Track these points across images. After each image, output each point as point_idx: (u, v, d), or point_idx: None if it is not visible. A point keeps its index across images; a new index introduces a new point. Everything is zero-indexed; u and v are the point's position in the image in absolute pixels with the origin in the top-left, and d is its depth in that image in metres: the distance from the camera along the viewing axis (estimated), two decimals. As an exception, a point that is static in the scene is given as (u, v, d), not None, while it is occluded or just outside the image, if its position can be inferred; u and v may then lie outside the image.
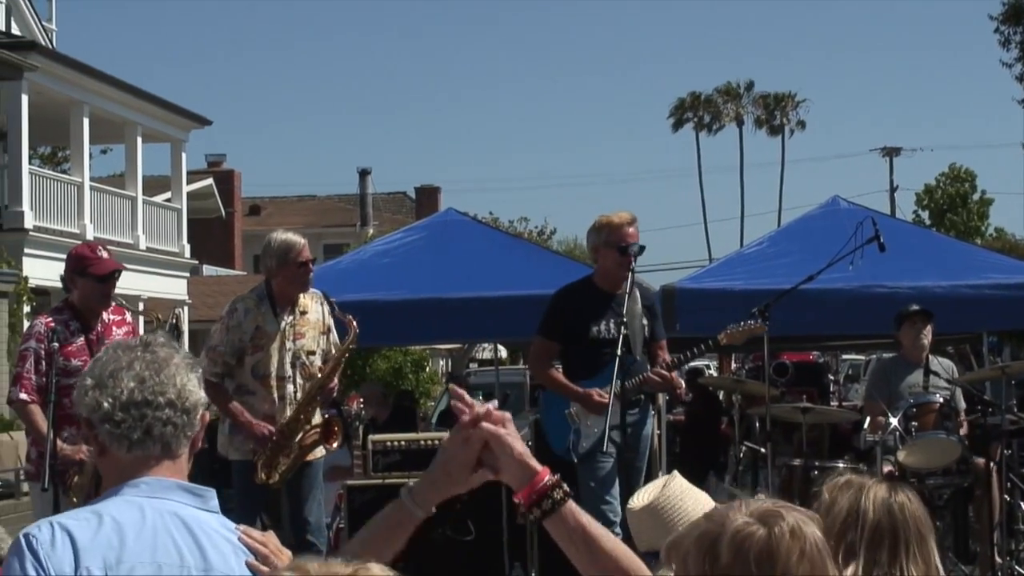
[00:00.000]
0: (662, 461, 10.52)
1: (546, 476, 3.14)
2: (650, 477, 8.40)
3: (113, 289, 8.08)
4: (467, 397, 3.25)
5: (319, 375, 8.48)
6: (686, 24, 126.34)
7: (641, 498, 5.07)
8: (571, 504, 3.13)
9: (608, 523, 8.44)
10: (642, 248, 8.43)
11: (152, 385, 3.26)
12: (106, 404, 3.25)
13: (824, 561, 2.68)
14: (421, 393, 28.52)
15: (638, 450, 8.55)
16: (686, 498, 4.79)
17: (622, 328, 8.00)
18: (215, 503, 3.31)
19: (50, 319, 8.01)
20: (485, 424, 3.18)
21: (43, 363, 7.77)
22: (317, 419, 8.49)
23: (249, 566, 3.25)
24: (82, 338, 7.95)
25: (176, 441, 3.28)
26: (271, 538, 3.39)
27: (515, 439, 3.17)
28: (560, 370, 8.75)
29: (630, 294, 8.27)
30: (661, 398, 10.52)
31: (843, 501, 3.67)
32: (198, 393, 3.32)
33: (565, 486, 3.13)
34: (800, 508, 2.79)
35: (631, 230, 8.48)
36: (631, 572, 3.11)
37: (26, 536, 3.11)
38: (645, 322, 8.54)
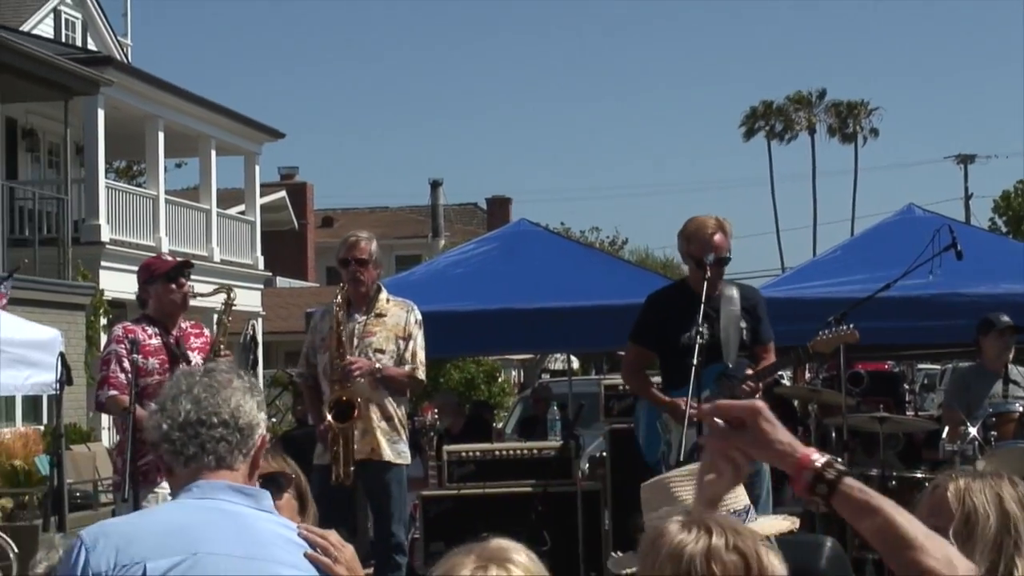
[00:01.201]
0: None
1: (810, 459, 2.93)
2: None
3: (183, 285, 8.14)
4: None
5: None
6: (757, 33, 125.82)
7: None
8: (848, 481, 2.90)
9: None
10: (722, 260, 8.19)
11: (207, 406, 3.50)
12: (165, 426, 3.51)
13: None
14: (494, 404, 28.52)
15: None
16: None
17: (701, 335, 7.89)
18: (269, 503, 3.52)
19: (129, 324, 8.16)
20: (751, 423, 3.02)
21: (125, 362, 7.90)
22: None
23: (308, 557, 3.45)
24: (159, 340, 8.07)
25: (231, 456, 3.50)
26: (332, 535, 3.56)
27: (777, 430, 3.00)
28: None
29: (725, 297, 8.17)
30: None
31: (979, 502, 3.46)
32: (255, 415, 3.56)
33: (839, 463, 2.93)
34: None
35: (716, 239, 8.18)
36: (930, 547, 2.87)
37: (78, 537, 3.41)
38: (744, 325, 8.27)
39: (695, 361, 7.70)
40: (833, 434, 11.04)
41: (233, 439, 3.50)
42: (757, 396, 8.37)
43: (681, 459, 8.23)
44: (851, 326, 8.23)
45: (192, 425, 3.48)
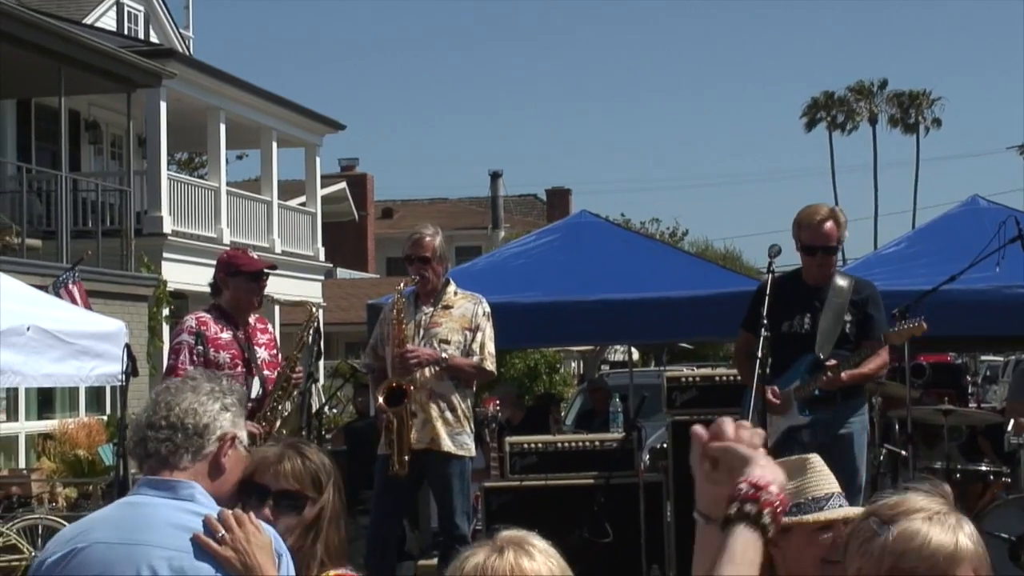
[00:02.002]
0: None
1: (746, 486, 2.81)
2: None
3: (263, 288, 8.27)
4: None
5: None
6: (818, 23, 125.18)
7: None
8: (736, 530, 2.77)
9: None
10: (830, 249, 8.10)
11: (159, 410, 3.70)
12: (130, 432, 3.80)
13: None
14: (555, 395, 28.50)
15: (842, 452, 7.88)
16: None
17: (801, 325, 7.84)
18: (188, 492, 3.61)
19: (202, 315, 8.22)
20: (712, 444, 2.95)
21: (195, 355, 7.96)
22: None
23: (196, 539, 3.52)
24: (230, 333, 8.13)
25: (174, 456, 3.66)
26: (237, 517, 3.57)
27: (746, 452, 2.91)
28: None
29: (834, 288, 8.09)
30: None
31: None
32: (212, 417, 3.71)
33: (768, 516, 2.77)
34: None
35: (824, 228, 8.07)
36: None
37: None
38: (849, 318, 8.14)
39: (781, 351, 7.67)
40: (896, 426, 10.99)
41: (176, 439, 3.65)
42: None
43: (771, 447, 8.21)
44: (921, 318, 8.08)
45: (142, 428, 3.69)
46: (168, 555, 3.46)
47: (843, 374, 7.97)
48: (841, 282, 8.17)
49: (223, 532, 3.51)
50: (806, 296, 8.14)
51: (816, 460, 4.49)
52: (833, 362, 7.97)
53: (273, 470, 3.89)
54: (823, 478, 4.41)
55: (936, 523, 2.99)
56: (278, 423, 8.07)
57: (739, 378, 8.72)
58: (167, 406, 3.68)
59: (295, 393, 8.27)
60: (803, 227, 8.17)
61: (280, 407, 8.11)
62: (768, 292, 8.20)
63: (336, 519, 3.99)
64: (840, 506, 4.31)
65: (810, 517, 4.25)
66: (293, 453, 3.94)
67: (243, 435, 3.82)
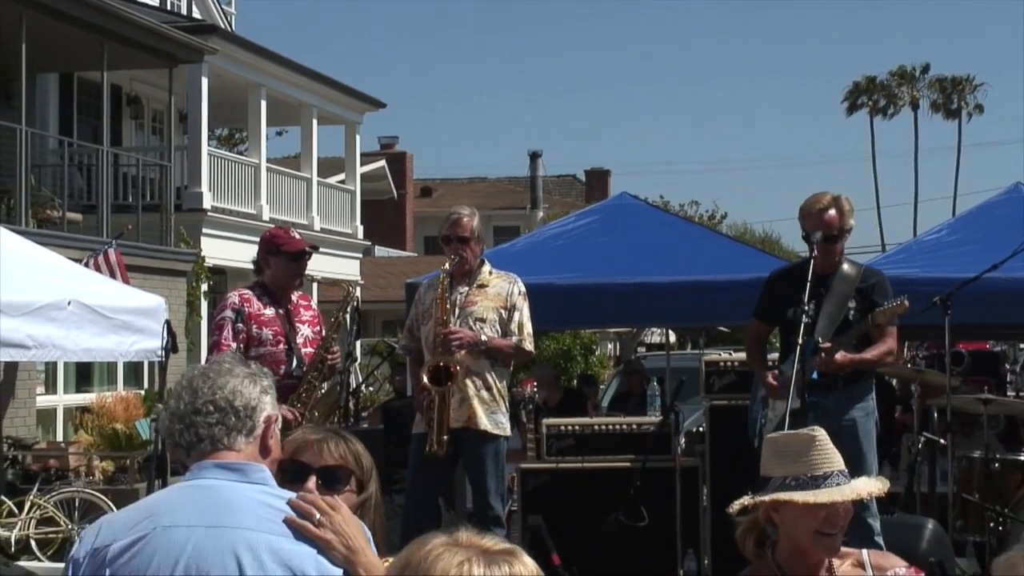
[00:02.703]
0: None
1: None
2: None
3: (304, 268, 8.32)
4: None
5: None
6: (861, 7, 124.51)
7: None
8: None
9: None
10: (830, 237, 8.10)
11: (203, 395, 3.57)
12: (167, 422, 3.61)
13: None
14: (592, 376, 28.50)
15: (845, 439, 8.01)
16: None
17: (807, 313, 7.87)
18: (260, 475, 3.51)
19: (246, 291, 8.25)
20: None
21: (236, 329, 8.01)
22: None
23: (287, 521, 3.39)
24: (273, 310, 8.17)
25: (228, 437, 3.55)
26: (324, 500, 3.48)
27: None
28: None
29: (840, 275, 8.10)
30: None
31: None
32: (255, 397, 3.61)
33: None
34: None
35: (826, 217, 8.12)
36: None
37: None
38: (852, 305, 8.15)
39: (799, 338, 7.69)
40: (935, 415, 10.94)
41: (229, 421, 3.56)
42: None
43: (770, 432, 8.24)
44: (904, 297, 8.03)
45: (188, 415, 3.56)
46: (266, 539, 3.35)
47: (838, 356, 7.96)
48: (848, 270, 8.19)
49: (319, 516, 3.41)
50: (813, 283, 8.17)
51: (822, 436, 4.71)
52: (827, 344, 7.97)
53: (316, 448, 3.85)
54: (825, 456, 4.62)
55: None
56: (311, 405, 8.09)
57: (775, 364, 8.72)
58: (211, 390, 3.58)
59: (333, 374, 8.29)
60: (806, 216, 8.23)
61: (315, 389, 8.12)
62: (778, 279, 8.43)
63: (380, 507, 3.95)
64: (838, 484, 4.53)
65: (799, 497, 4.46)
66: (335, 436, 3.93)
67: (278, 416, 3.75)
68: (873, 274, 8.45)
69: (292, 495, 3.49)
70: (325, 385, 8.35)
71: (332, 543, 3.39)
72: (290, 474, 3.79)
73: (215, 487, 3.45)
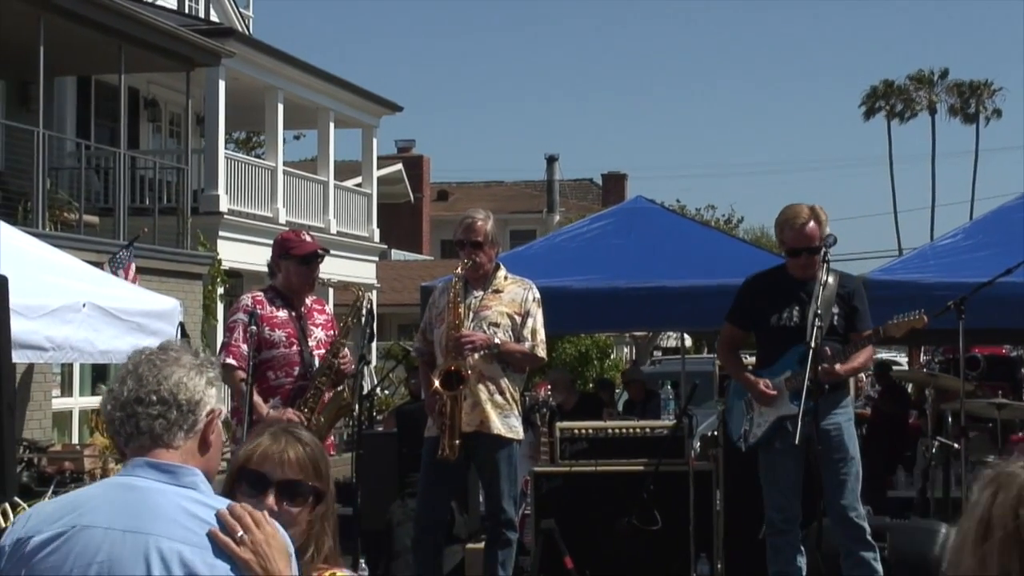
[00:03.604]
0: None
1: None
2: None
3: (315, 271, 8.32)
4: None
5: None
6: (879, 11, 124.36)
7: None
8: None
9: (768, 519, 8.35)
10: (813, 250, 8.17)
11: (146, 384, 3.44)
12: (109, 406, 3.48)
13: None
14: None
15: (830, 442, 8.17)
16: None
17: (790, 318, 7.97)
18: (191, 479, 3.38)
19: (258, 294, 8.26)
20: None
21: (248, 333, 8.00)
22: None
23: (210, 534, 3.27)
24: (286, 312, 8.17)
25: (168, 433, 3.42)
26: (254, 516, 3.35)
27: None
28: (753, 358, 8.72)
29: (820, 282, 8.15)
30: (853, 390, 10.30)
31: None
32: (200, 391, 3.47)
33: None
34: None
35: (806, 230, 8.19)
36: None
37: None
38: (836, 311, 8.25)
39: (810, 342, 7.74)
40: (949, 419, 10.93)
41: (171, 415, 3.42)
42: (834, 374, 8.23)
43: (760, 437, 8.30)
44: (920, 311, 8.19)
45: (131, 404, 3.43)
46: (179, 548, 3.23)
47: (837, 366, 8.11)
48: (826, 277, 8.21)
49: (242, 532, 3.28)
50: (793, 290, 8.31)
51: None
52: (828, 353, 8.07)
53: (277, 458, 3.70)
54: None
55: None
56: (318, 410, 8.08)
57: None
58: (156, 380, 3.45)
59: (343, 379, 8.27)
60: (786, 229, 8.32)
61: (323, 394, 8.10)
62: (756, 286, 8.53)
63: (334, 513, 3.81)
64: None
65: None
66: (292, 439, 3.75)
67: (224, 410, 3.62)
68: (851, 279, 8.60)
69: (222, 504, 3.36)
70: (340, 390, 8.33)
71: (250, 563, 3.26)
72: (249, 484, 3.69)
73: (141, 488, 3.35)
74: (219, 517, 3.30)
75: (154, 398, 3.43)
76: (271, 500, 3.66)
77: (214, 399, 3.53)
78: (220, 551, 3.25)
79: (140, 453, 3.42)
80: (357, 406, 8.43)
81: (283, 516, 3.60)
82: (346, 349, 8.26)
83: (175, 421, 3.43)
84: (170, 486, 3.35)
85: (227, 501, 3.41)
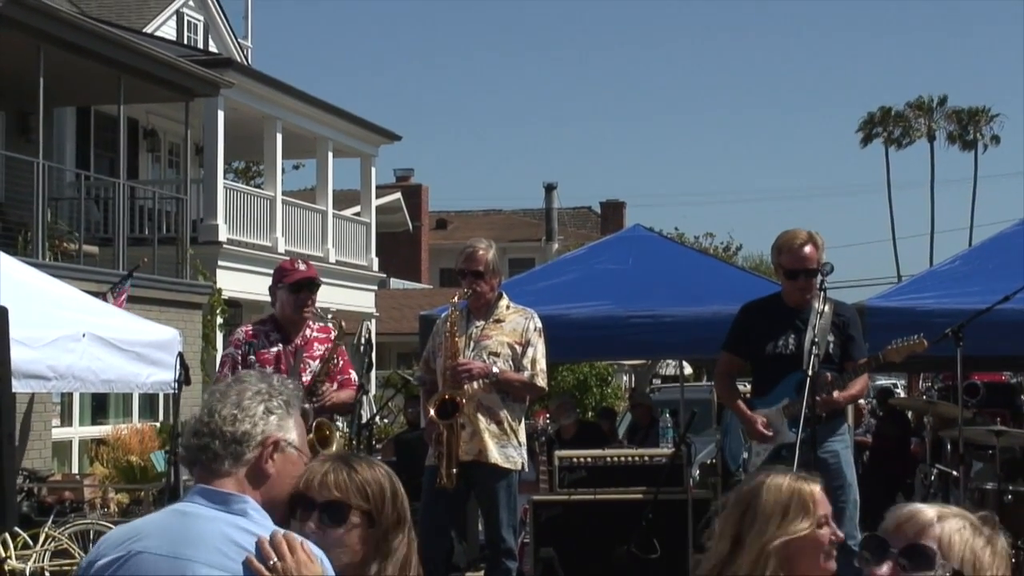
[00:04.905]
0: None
1: None
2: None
3: (306, 300, 8.27)
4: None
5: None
6: (877, 38, 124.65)
7: None
8: None
9: None
10: (811, 272, 8.21)
11: (205, 414, 3.64)
12: (183, 440, 3.73)
13: None
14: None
15: (828, 470, 8.04)
16: None
17: (786, 346, 8.00)
18: (241, 507, 3.54)
19: (250, 328, 8.26)
20: None
21: (239, 369, 7.96)
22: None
23: (247, 562, 3.41)
24: (278, 347, 8.15)
25: (217, 463, 3.59)
26: (291, 543, 3.47)
27: None
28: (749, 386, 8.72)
29: (815, 311, 8.16)
30: (850, 417, 10.31)
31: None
32: (253, 422, 3.63)
33: None
34: None
35: (804, 252, 8.24)
36: None
37: None
38: (832, 339, 8.26)
39: (808, 369, 7.75)
40: (948, 446, 10.93)
41: (215, 445, 3.58)
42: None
43: (761, 464, 8.29)
44: (920, 335, 8.19)
45: (192, 434, 3.64)
46: (213, 574, 3.39)
47: (836, 394, 8.13)
48: (822, 305, 8.21)
49: (275, 560, 3.41)
50: (788, 318, 8.35)
51: None
52: (828, 379, 8.10)
53: (320, 481, 3.77)
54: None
55: None
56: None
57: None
58: (210, 411, 3.63)
59: (324, 413, 8.11)
60: (783, 252, 8.35)
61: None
62: (752, 314, 8.56)
63: (410, 541, 3.87)
64: None
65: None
66: (340, 465, 3.82)
67: (292, 436, 3.69)
68: (846, 308, 8.61)
69: (267, 532, 3.48)
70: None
71: None
72: (298, 508, 3.76)
73: (191, 514, 3.52)
74: (258, 544, 3.44)
75: (205, 429, 3.61)
76: (312, 522, 3.74)
77: (273, 427, 3.66)
78: (251, 575, 3.40)
79: (200, 481, 3.60)
80: (341, 439, 8.37)
81: (327, 538, 3.69)
82: (338, 378, 8.16)
83: (219, 451, 3.59)
84: (221, 513, 3.51)
85: (275, 528, 3.53)
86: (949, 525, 3.25)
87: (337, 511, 3.75)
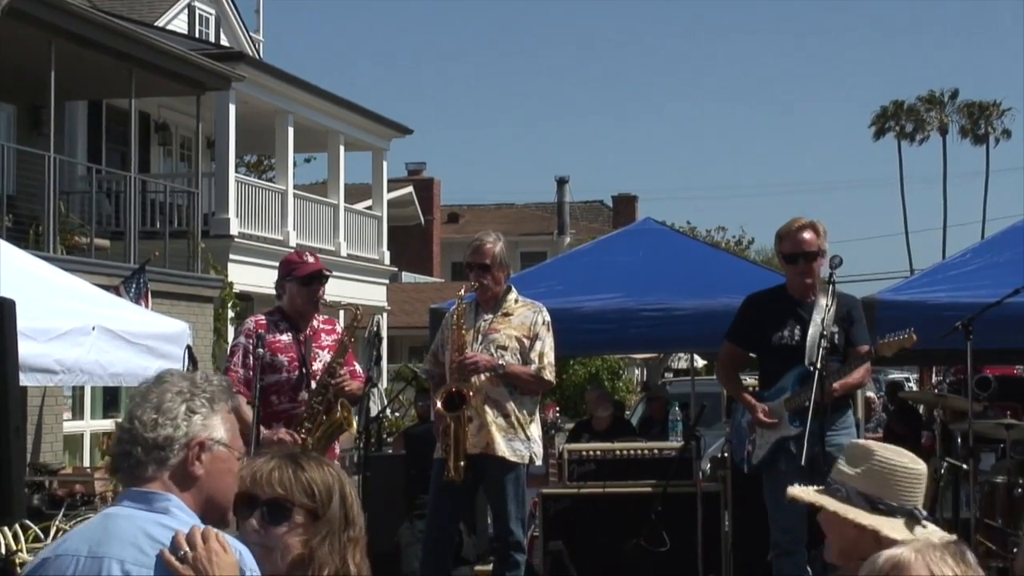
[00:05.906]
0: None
1: None
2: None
3: (317, 292, 8.26)
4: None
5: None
6: (889, 32, 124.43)
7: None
8: None
9: (774, 540, 8.32)
10: (810, 255, 8.24)
11: (128, 420, 3.60)
12: (112, 445, 3.74)
13: None
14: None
15: (828, 459, 8.14)
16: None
17: (792, 337, 7.98)
18: (164, 505, 3.52)
19: (262, 318, 8.25)
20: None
21: (251, 358, 7.97)
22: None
23: (161, 556, 3.42)
24: (289, 335, 8.14)
25: (140, 469, 3.56)
26: (206, 536, 3.46)
27: None
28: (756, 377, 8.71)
29: (819, 301, 8.16)
30: (861, 408, 10.30)
31: None
32: (176, 427, 3.56)
33: None
34: None
35: (802, 236, 8.28)
36: None
37: None
38: (836, 328, 8.24)
39: (815, 362, 7.74)
40: (959, 440, 10.90)
41: (137, 452, 3.54)
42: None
43: (763, 458, 8.28)
44: (910, 330, 8.15)
45: (116, 442, 3.62)
46: (128, 568, 3.40)
47: (834, 384, 8.09)
48: (825, 295, 8.22)
49: (185, 549, 3.40)
50: (792, 308, 8.35)
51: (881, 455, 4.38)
52: (833, 369, 8.09)
53: (265, 478, 3.68)
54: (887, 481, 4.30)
55: None
56: (318, 431, 7.99)
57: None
58: (130, 417, 3.57)
59: (340, 399, 8.13)
60: (783, 238, 8.41)
61: (318, 414, 8.01)
62: (756, 304, 8.57)
63: (357, 542, 3.77)
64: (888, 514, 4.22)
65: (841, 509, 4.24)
66: (287, 463, 3.72)
67: (219, 434, 3.62)
68: (849, 299, 8.61)
69: (185, 525, 3.47)
70: (339, 410, 8.26)
71: None
72: (242, 507, 3.70)
73: (114, 515, 3.53)
74: (173, 538, 3.44)
75: (127, 436, 3.57)
76: (255, 520, 3.68)
77: (198, 427, 3.58)
78: (163, 568, 3.40)
79: (125, 486, 3.59)
80: (356, 425, 8.36)
81: (270, 536, 3.64)
82: (346, 369, 8.15)
83: (140, 458, 3.55)
84: (142, 511, 3.50)
85: (195, 523, 3.50)
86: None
87: (280, 509, 3.67)
